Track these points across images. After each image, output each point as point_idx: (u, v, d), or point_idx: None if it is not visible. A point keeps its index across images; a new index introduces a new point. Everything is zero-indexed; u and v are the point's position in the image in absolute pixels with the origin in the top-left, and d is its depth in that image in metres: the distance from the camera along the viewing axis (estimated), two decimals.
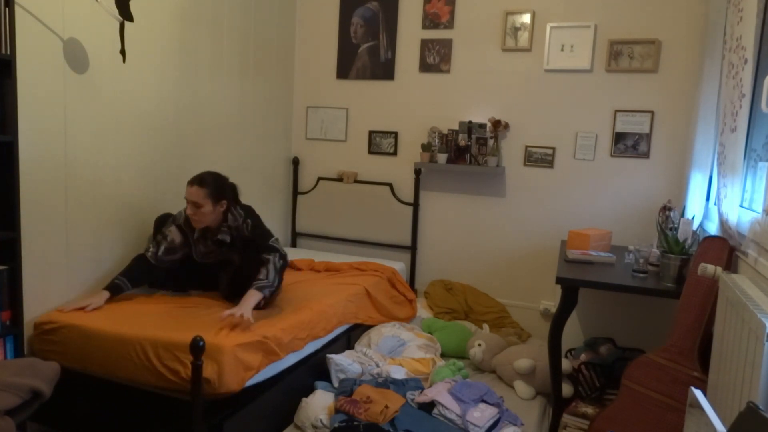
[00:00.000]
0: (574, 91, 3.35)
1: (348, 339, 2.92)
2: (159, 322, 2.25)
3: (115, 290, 2.48)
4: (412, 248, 3.78)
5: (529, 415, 2.56)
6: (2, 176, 1.97)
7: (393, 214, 3.83)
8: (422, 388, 2.47)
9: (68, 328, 2.21)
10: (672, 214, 2.73)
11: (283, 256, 2.56)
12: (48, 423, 2.24)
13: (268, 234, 2.61)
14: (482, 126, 3.47)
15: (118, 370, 2.12)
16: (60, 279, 2.41)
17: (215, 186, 2.52)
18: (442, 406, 2.30)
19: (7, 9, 1.88)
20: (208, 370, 1.97)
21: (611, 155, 3.31)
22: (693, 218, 2.53)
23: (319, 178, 3.98)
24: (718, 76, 2.52)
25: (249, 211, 2.64)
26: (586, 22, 3.27)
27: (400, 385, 2.44)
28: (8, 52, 1.89)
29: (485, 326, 3.30)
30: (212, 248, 2.65)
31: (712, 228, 2.53)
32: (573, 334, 3.36)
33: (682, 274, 2.33)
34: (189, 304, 2.57)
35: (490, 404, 2.36)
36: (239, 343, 2.08)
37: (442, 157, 3.53)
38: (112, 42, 2.52)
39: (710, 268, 1.96)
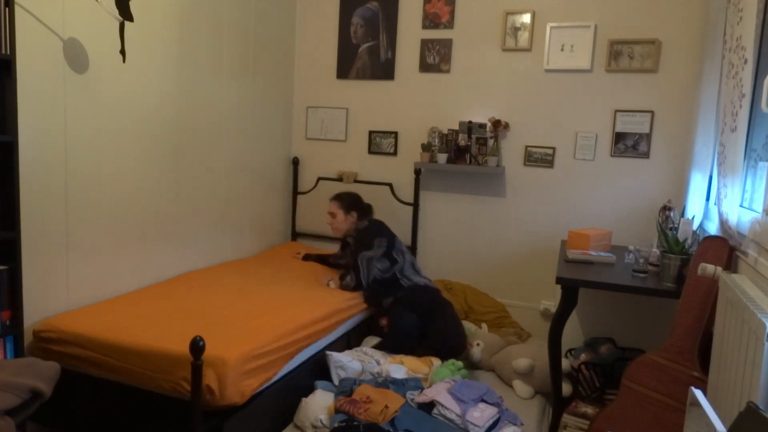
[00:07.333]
0: (574, 91, 3.35)
1: (348, 339, 2.92)
2: (161, 329, 2.24)
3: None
4: (412, 248, 3.78)
5: (528, 415, 2.56)
6: (2, 176, 1.97)
7: (393, 214, 3.82)
8: (422, 388, 2.47)
9: (66, 337, 2.20)
10: (672, 214, 2.73)
11: (357, 286, 3.00)
12: (48, 423, 2.24)
13: (362, 249, 3.06)
14: (482, 126, 3.47)
15: (118, 375, 2.12)
16: (60, 279, 2.41)
17: (348, 201, 3.24)
18: (442, 406, 2.30)
19: (7, 9, 1.88)
20: (209, 378, 1.96)
21: (611, 155, 3.31)
22: (693, 218, 2.53)
23: (319, 178, 3.98)
24: (718, 76, 2.51)
25: (370, 225, 3.20)
26: (586, 22, 3.27)
27: (400, 385, 2.44)
28: (8, 52, 1.89)
29: (483, 326, 3.31)
30: (342, 252, 3.36)
31: (712, 228, 2.53)
32: (573, 334, 3.36)
33: (682, 274, 2.33)
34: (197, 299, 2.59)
35: (489, 404, 2.36)
36: (243, 355, 2.07)
37: (442, 157, 3.52)
38: (112, 42, 2.52)
39: (710, 268, 1.96)
